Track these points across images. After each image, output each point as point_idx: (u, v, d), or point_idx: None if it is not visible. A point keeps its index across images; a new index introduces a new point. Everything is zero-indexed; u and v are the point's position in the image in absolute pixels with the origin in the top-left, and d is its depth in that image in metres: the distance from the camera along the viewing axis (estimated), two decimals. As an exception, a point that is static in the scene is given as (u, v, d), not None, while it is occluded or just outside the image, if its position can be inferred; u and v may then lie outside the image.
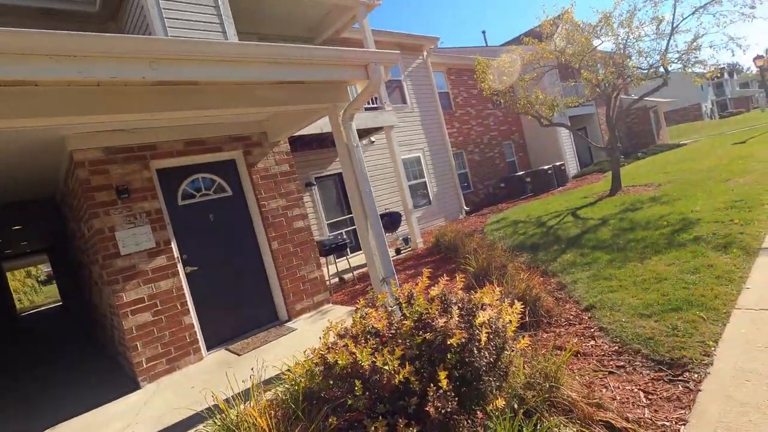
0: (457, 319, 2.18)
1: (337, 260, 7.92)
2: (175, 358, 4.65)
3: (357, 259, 9.11)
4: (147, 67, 2.80)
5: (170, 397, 3.98)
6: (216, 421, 2.64)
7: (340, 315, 5.39)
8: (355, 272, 7.68)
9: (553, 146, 17.49)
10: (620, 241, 5.65)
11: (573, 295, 4.16)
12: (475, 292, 2.63)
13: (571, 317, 3.68)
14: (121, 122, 4.19)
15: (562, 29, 10.19)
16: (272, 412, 2.42)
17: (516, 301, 2.53)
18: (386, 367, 2.00)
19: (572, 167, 17.86)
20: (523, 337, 2.37)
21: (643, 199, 8.21)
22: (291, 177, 5.92)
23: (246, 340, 5.15)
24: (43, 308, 22.97)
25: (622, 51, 9.94)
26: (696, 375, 2.54)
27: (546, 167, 15.08)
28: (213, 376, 4.26)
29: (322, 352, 2.37)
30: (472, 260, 5.21)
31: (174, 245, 4.86)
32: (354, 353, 2.13)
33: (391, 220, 9.20)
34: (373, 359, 2.14)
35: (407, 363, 2.02)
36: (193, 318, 4.86)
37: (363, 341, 2.38)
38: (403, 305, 2.45)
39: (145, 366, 4.44)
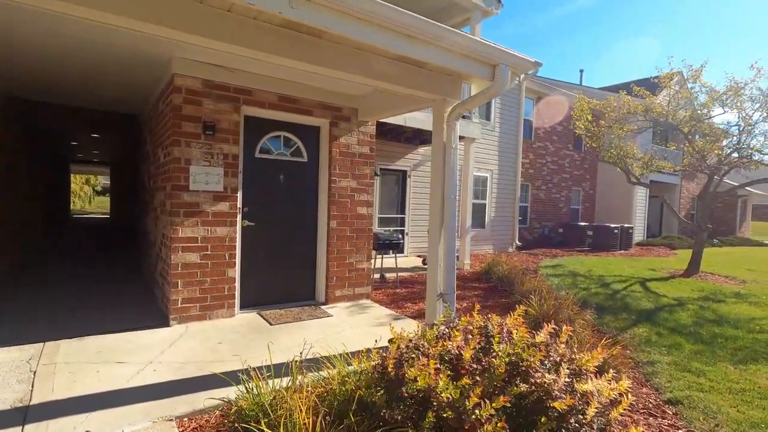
0: (565, 380, 1.79)
1: (383, 256, 7.61)
2: (209, 306, 4.51)
3: (399, 261, 8.78)
4: (286, 3, 2.59)
5: (196, 346, 3.82)
6: (249, 395, 2.40)
7: (379, 315, 5.08)
8: (399, 274, 7.35)
9: (624, 206, 16.42)
10: (703, 332, 4.98)
11: (651, 379, 3.62)
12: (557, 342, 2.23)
13: (651, 406, 3.16)
14: (225, 54, 4.06)
15: (683, 88, 9.37)
16: (313, 402, 2.13)
17: (624, 377, 2.09)
18: (477, 412, 1.64)
19: (638, 233, 16.69)
20: (637, 425, 1.94)
21: (726, 292, 7.36)
22: (368, 161, 5.67)
23: (280, 310, 4.95)
24: (90, 216, 24.31)
25: (742, 127, 9.01)
26: None
27: (613, 225, 14.11)
28: (241, 337, 4.07)
29: (393, 359, 2.05)
30: (534, 302, 4.73)
31: (239, 195, 4.72)
32: (437, 379, 1.79)
33: (445, 233, 8.78)
34: (450, 395, 1.79)
35: (504, 417, 1.66)
36: (237, 272, 4.71)
37: (438, 364, 2.04)
38: (495, 339, 2.08)
39: (179, 305, 4.32)
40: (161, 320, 4.39)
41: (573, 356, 2.07)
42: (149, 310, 4.74)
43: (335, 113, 5.35)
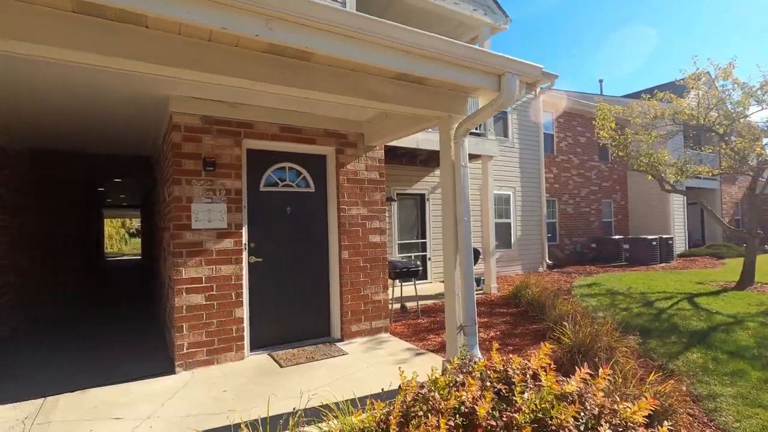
0: (607, 443, 1.41)
1: (402, 284, 7.26)
2: (216, 350, 4.27)
3: (422, 288, 8.38)
4: (263, 25, 2.43)
5: (201, 395, 3.56)
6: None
7: (397, 350, 4.71)
8: (420, 302, 6.96)
9: (659, 215, 15.48)
10: (770, 354, 4.34)
11: (715, 418, 3.08)
12: (573, 375, 1.83)
13: (719, 453, 2.65)
14: (225, 89, 3.98)
15: (712, 88, 8.81)
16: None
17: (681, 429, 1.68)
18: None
19: (679, 244, 15.61)
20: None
21: (790, 305, 6.56)
22: (378, 186, 5.44)
23: (292, 350, 4.66)
24: (125, 258, 25.06)
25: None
26: None
27: (651, 237, 13.24)
28: (248, 382, 3.79)
29: (397, 417, 1.71)
30: (568, 330, 4.26)
31: (245, 231, 4.55)
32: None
33: (468, 256, 8.36)
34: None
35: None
36: (245, 312, 4.48)
37: (449, 417, 1.69)
38: (517, 387, 1.72)
39: (185, 351, 4.10)
40: (168, 367, 4.17)
41: (615, 407, 1.68)
42: (158, 357, 4.55)
43: (341, 140, 5.18)
